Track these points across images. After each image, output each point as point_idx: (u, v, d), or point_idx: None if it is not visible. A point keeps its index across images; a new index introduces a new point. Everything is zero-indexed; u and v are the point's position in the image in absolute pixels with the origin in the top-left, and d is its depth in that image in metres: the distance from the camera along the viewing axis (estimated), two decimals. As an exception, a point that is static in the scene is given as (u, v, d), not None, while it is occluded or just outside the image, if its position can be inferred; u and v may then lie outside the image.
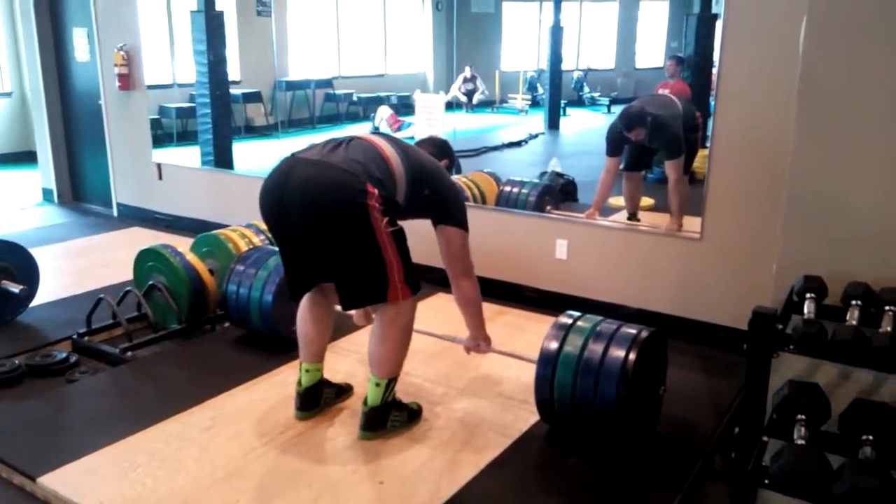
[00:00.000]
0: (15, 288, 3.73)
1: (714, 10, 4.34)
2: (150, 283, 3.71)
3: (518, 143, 6.84)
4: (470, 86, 7.44)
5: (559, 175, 4.94)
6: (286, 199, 2.44)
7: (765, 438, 1.92)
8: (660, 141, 4.05)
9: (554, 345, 2.57)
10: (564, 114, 7.06)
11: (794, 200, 2.26)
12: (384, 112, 7.46)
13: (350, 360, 3.28)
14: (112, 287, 4.10)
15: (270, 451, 2.57)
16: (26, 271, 3.90)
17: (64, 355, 3.40)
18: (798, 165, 2.25)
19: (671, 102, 4.16)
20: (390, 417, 2.66)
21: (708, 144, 3.50)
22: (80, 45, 6.32)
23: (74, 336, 3.61)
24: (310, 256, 2.55)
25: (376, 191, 2.39)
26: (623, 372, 2.42)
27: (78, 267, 4.92)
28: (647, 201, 4.36)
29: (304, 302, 2.75)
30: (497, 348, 2.96)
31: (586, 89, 7.40)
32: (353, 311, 3.09)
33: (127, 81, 5.87)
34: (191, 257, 3.73)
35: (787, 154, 2.29)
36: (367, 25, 8.92)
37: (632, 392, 2.43)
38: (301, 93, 8.08)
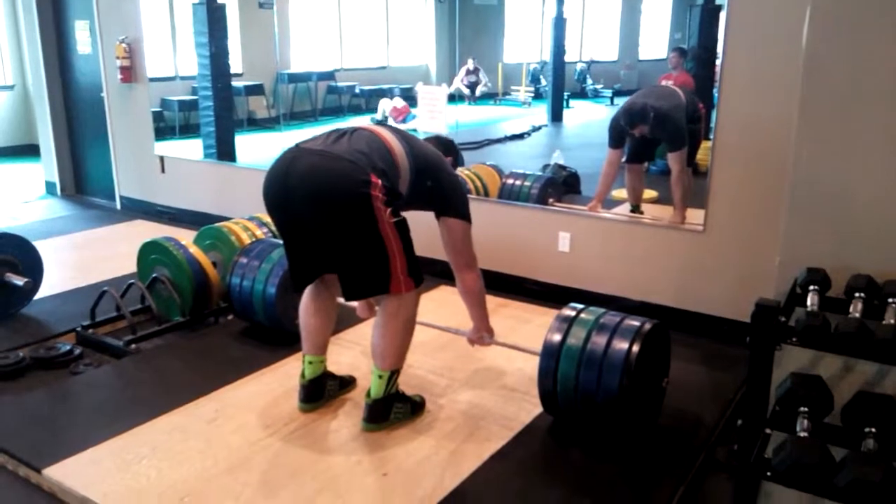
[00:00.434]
0: (19, 281, 3.74)
1: (718, 1, 4.32)
2: (154, 275, 3.72)
3: (521, 136, 6.83)
4: (473, 78, 7.42)
5: (562, 167, 4.93)
6: (290, 188, 2.44)
7: (767, 431, 1.92)
8: (662, 133, 4.04)
9: (557, 337, 2.57)
10: (567, 106, 7.05)
11: (797, 192, 2.25)
12: (387, 105, 7.45)
13: (353, 353, 3.29)
14: (116, 280, 4.11)
15: (274, 443, 2.58)
16: (30, 264, 3.92)
17: (68, 348, 3.41)
18: (801, 157, 2.24)
19: (673, 93, 4.14)
20: (393, 409, 2.67)
21: (711, 136, 3.49)
22: (81, 37, 6.31)
23: (78, 328, 3.62)
24: (313, 247, 2.55)
25: (380, 181, 2.39)
26: (626, 364, 2.43)
27: (81, 260, 4.93)
28: (650, 193, 4.35)
29: (307, 293, 2.76)
30: (500, 340, 2.96)
31: (589, 81, 7.39)
32: (355, 303, 3.10)
33: (129, 74, 5.87)
34: (194, 250, 3.74)
35: (791, 146, 2.28)
36: (370, 17, 8.90)
37: (635, 384, 2.43)
38: (303, 85, 8.07)
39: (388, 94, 7.84)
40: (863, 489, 1.59)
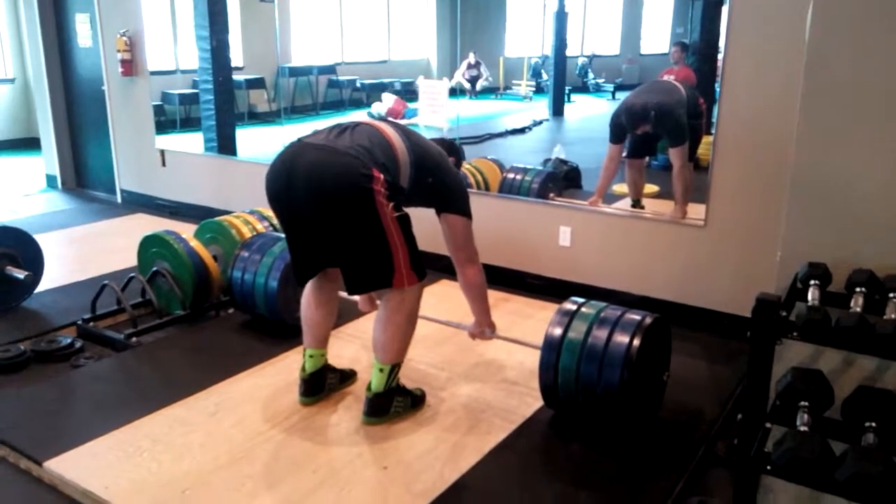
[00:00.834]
0: (20, 274, 3.75)
1: (720, -5, 4.31)
2: (155, 269, 3.72)
3: (522, 130, 6.81)
4: (474, 72, 7.40)
5: (563, 162, 4.92)
6: (293, 183, 2.44)
7: (767, 425, 1.92)
8: (663, 128, 4.03)
9: (558, 331, 2.58)
10: (569, 100, 7.03)
11: (798, 187, 2.25)
12: (380, 108, 7.42)
13: (354, 346, 3.29)
14: (116, 273, 4.11)
15: (275, 436, 2.59)
16: (31, 257, 3.92)
17: (69, 341, 3.42)
18: (803, 152, 2.23)
19: (674, 88, 4.13)
20: (394, 403, 2.67)
21: (713, 131, 3.49)
22: (82, 30, 6.31)
23: (79, 322, 3.63)
24: (316, 241, 2.55)
25: (381, 175, 2.39)
26: (627, 357, 2.43)
27: (82, 253, 4.93)
28: (651, 188, 4.34)
29: (309, 287, 2.76)
30: (502, 334, 2.96)
31: (591, 75, 7.36)
32: (357, 297, 3.10)
33: (130, 67, 5.86)
34: (194, 244, 3.74)
35: (792, 141, 2.28)
36: (371, 11, 8.87)
37: (635, 377, 2.44)
38: (304, 79, 8.05)
39: (389, 88, 7.83)
40: (863, 483, 1.59)
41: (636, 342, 2.45)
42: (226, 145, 5.84)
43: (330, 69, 8.32)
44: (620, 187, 4.34)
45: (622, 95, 5.20)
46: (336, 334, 3.36)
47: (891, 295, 2.01)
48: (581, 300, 2.72)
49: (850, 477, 1.60)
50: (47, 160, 6.99)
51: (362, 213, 2.39)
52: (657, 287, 3.77)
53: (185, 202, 5.86)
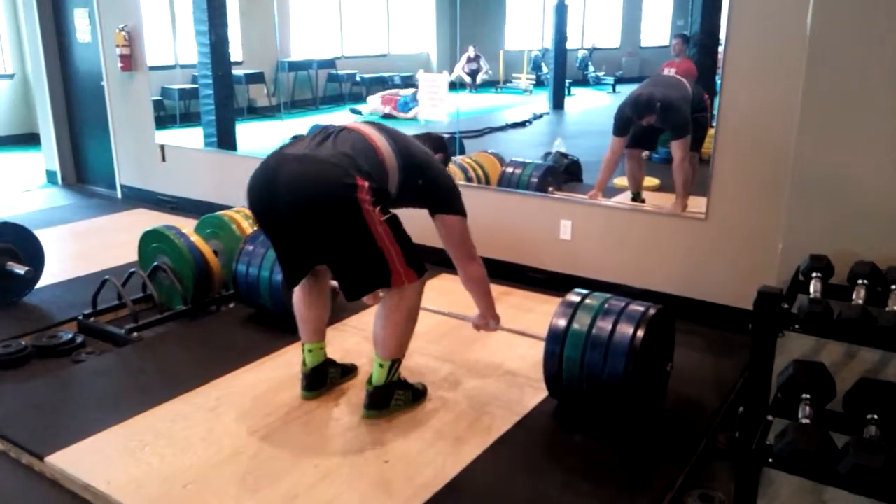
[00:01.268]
0: (20, 269, 3.75)
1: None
2: (155, 264, 3.72)
3: (522, 124, 6.80)
4: (474, 65, 7.38)
5: (564, 155, 4.91)
6: (276, 197, 2.40)
7: (769, 417, 1.92)
8: (668, 122, 4.02)
9: (562, 322, 2.59)
10: (569, 93, 7.01)
11: (800, 179, 2.25)
12: (373, 102, 7.40)
13: (355, 340, 3.29)
14: (117, 268, 4.11)
15: (276, 431, 2.59)
16: (31, 253, 3.92)
17: (70, 336, 3.42)
18: (804, 144, 2.23)
19: (679, 83, 4.13)
20: (394, 396, 2.67)
21: (713, 124, 3.48)
22: (81, 25, 6.29)
23: (80, 317, 3.63)
24: (305, 251, 2.54)
25: (366, 183, 2.34)
26: (631, 348, 2.44)
27: (83, 248, 4.93)
28: (651, 181, 4.34)
29: (300, 286, 2.74)
30: (506, 326, 2.97)
31: (591, 68, 7.34)
32: None
33: (129, 62, 5.85)
34: (195, 238, 3.74)
35: (794, 133, 2.27)
36: (370, 4, 8.85)
37: (640, 368, 2.45)
38: (304, 73, 8.03)
39: (388, 82, 7.80)
40: (864, 475, 1.59)
41: (640, 333, 2.45)
42: (226, 140, 5.83)
43: (329, 63, 8.29)
44: (621, 180, 4.34)
45: (622, 88, 5.19)
46: (337, 328, 3.37)
47: (893, 287, 2.01)
48: (585, 291, 2.73)
49: (851, 469, 1.60)
50: (47, 156, 6.99)
51: (348, 222, 2.35)
52: (658, 280, 3.77)
53: (185, 197, 5.85)
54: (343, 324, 3.42)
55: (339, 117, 7.83)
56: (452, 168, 4.51)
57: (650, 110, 3.98)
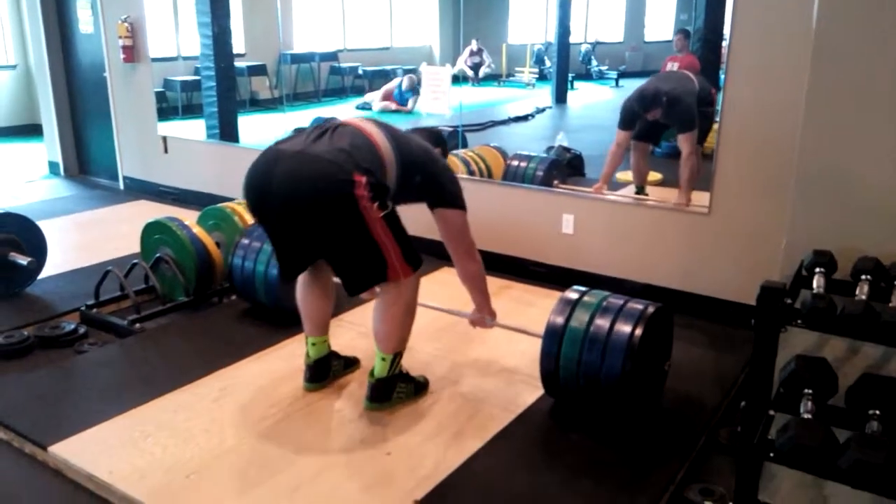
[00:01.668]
0: (23, 260, 3.75)
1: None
2: (158, 255, 3.72)
3: (525, 118, 6.79)
4: (476, 59, 7.37)
5: (566, 149, 4.91)
6: (272, 194, 2.38)
7: (771, 412, 1.93)
8: (674, 116, 4.02)
9: (560, 319, 2.57)
10: (572, 87, 7.00)
11: (804, 175, 2.24)
12: (374, 98, 7.39)
13: (356, 333, 3.29)
14: (119, 260, 4.11)
15: (278, 422, 2.59)
16: (34, 244, 3.92)
17: (72, 327, 3.42)
18: (809, 139, 2.22)
19: (687, 78, 4.14)
20: (396, 389, 2.67)
21: (717, 119, 3.47)
22: (83, 16, 6.27)
23: (83, 308, 3.63)
24: (303, 247, 2.53)
25: (363, 178, 2.32)
26: (629, 346, 2.43)
27: (85, 239, 4.93)
28: (654, 176, 4.33)
29: (302, 279, 2.75)
30: (502, 322, 2.97)
31: (594, 63, 7.34)
32: None
33: (131, 54, 5.84)
34: (197, 230, 3.74)
35: (798, 128, 2.27)
36: (373, -3, 8.83)
37: (637, 367, 2.44)
38: (306, 66, 8.02)
39: (391, 75, 7.79)
40: (866, 471, 1.60)
41: (638, 331, 2.44)
42: (228, 132, 5.82)
43: (332, 56, 8.28)
44: (624, 174, 4.33)
45: (626, 83, 5.18)
46: (338, 321, 3.37)
47: (896, 283, 2.01)
48: (584, 288, 2.72)
49: (853, 464, 1.61)
50: (49, 147, 6.98)
51: (345, 219, 2.34)
52: (661, 275, 3.77)
53: (187, 189, 5.85)
54: (341, 318, 3.42)
55: (341, 110, 7.82)
56: (455, 161, 4.50)
57: (656, 104, 3.98)
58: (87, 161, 6.89)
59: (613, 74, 7.15)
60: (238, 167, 5.65)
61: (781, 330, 1.94)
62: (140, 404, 2.69)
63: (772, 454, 1.75)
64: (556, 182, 4.34)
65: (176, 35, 6.53)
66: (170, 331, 3.46)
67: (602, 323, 2.51)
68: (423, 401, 2.75)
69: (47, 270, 4.05)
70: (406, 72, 7.57)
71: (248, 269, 3.41)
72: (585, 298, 2.63)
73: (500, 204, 4.26)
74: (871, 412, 1.83)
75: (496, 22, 7.83)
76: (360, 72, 8.42)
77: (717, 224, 3.54)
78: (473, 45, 7.23)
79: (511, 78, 7.77)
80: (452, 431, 2.56)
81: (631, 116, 4.12)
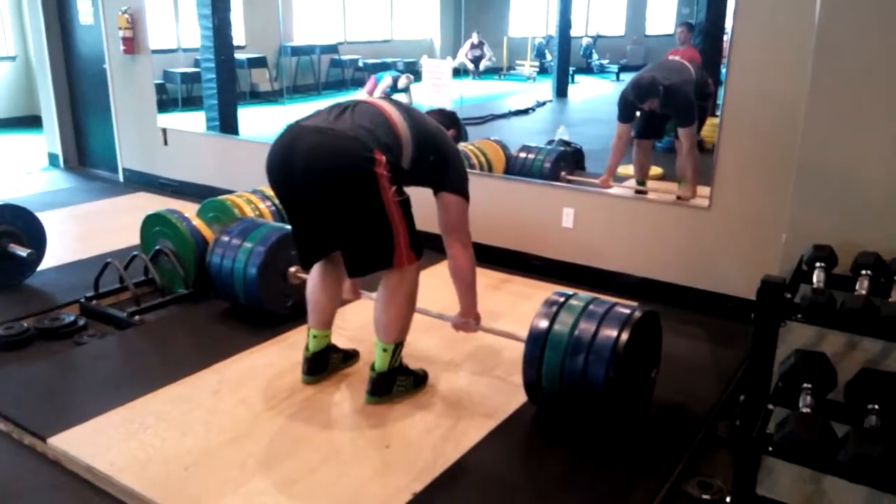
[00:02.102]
0: (23, 251, 3.75)
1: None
2: (157, 247, 3.72)
3: (525, 111, 6.77)
4: (477, 52, 7.34)
5: (567, 143, 4.90)
6: (294, 168, 2.40)
7: (770, 406, 1.92)
8: (672, 106, 4.01)
9: (544, 323, 2.47)
10: (573, 81, 6.98)
11: (805, 169, 2.24)
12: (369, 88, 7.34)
13: (356, 327, 3.29)
14: (119, 252, 4.11)
15: (278, 415, 2.60)
16: (34, 235, 3.92)
17: (72, 318, 3.42)
18: (810, 134, 2.22)
19: (683, 68, 4.11)
20: (396, 382, 2.68)
21: (718, 113, 3.46)
22: (83, 7, 6.26)
23: (82, 300, 3.63)
24: (318, 225, 2.54)
25: (384, 158, 2.36)
26: (614, 353, 2.32)
27: (85, 231, 4.93)
28: (655, 170, 4.33)
29: (315, 270, 2.75)
30: (487, 327, 2.90)
31: (595, 56, 7.30)
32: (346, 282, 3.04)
33: (131, 45, 5.82)
34: (197, 222, 3.73)
35: (799, 123, 2.26)
36: (374, -11, 8.79)
37: (622, 374, 2.34)
38: (306, 58, 7.99)
39: (392, 67, 7.76)
40: (864, 465, 1.60)
41: (624, 336, 2.33)
42: (228, 124, 5.81)
43: (332, 48, 8.25)
44: (625, 169, 4.33)
45: (627, 77, 5.15)
46: (339, 315, 3.36)
47: (896, 278, 2.00)
48: (569, 292, 2.61)
49: (851, 459, 1.61)
50: (49, 138, 6.97)
51: (364, 195, 2.36)
52: (660, 269, 3.77)
53: (187, 181, 5.85)
54: (342, 311, 3.41)
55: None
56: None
57: (652, 94, 3.96)
58: (86, 153, 6.88)
59: (614, 68, 7.12)
60: (238, 160, 5.67)
61: (781, 324, 1.93)
62: (139, 396, 2.70)
63: (770, 448, 1.75)
64: (563, 174, 4.34)
65: (176, 27, 6.51)
66: (169, 323, 3.46)
67: (587, 327, 2.40)
68: (423, 393, 2.75)
69: (47, 262, 4.05)
70: (407, 65, 7.55)
71: (226, 268, 3.32)
72: (571, 302, 2.52)
73: (501, 197, 4.25)
74: (869, 407, 1.83)
75: (497, 15, 7.80)
76: (361, 64, 8.38)
77: (718, 218, 3.54)
78: (474, 38, 7.20)
79: (512, 71, 7.74)
80: (452, 423, 2.56)
81: (628, 108, 4.11)
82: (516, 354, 3.04)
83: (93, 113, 6.61)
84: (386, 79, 7.16)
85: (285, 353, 3.05)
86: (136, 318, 3.46)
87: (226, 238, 3.41)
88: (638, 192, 4.14)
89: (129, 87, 6.06)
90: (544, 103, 6.92)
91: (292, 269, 3.35)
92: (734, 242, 3.50)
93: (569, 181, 4.31)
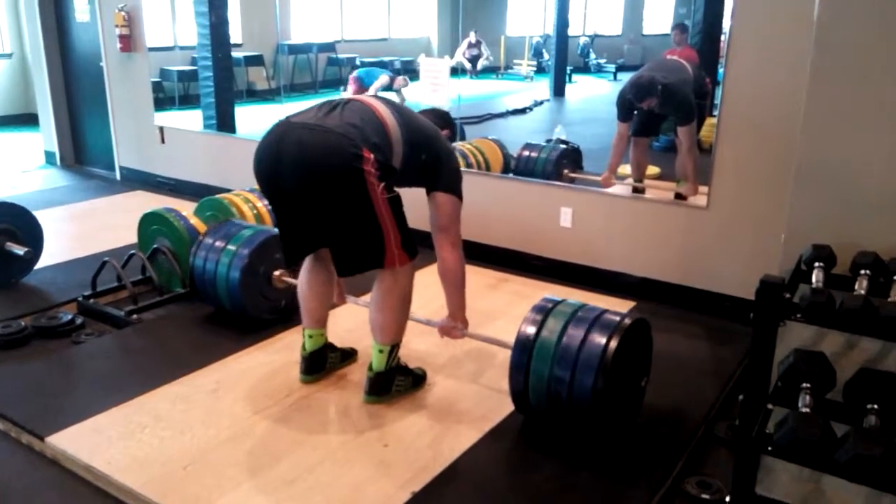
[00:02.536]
0: (20, 250, 3.74)
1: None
2: (155, 246, 3.71)
3: (523, 111, 6.78)
4: (474, 51, 7.34)
5: (564, 142, 4.90)
6: (281, 164, 2.38)
7: (769, 406, 1.93)
8: (670, 105, 4.01)
9: (531, 330, 2.41)
10: (570, 80, 6.99)
11: (803, 168, 2.24)
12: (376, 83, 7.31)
13: (354, 323, 3.28)
14: (116, 250, 4.10)
15: (275, 414, 2.59)
16: (31, 233, 3.91)
17: (70, 317, 3.42)
18: (809, 133, 2.22)
19: (681, 67, 4.12)
20: (395, 382, 2.67)
21: (716, 113, 3.47)
22: (80, 5, 6.24)
23: (80, 298, 3.63)
24: (306, 222, 2.51)
25: (372, 156, 2.33)
26: (602, 362, 2.27)
27: (82, 230, 4.92)
28: (652, 169, 4.33)
29: (305, 269, 2.74)
30: (474, 333, 2.83)
31: (592, 56, 7.31)
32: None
33: (128, 43, 5.81)
34: (195, 221, 3.73)
35: (797, 122, 2.26)
36: (371, -12, 8.79)
37: (610, 384, 2.28)
38: (303, 57, 7.99)
39: (388, 66, 7.75)
40: (863, 465, 1.60)
41: (612, 344, 2.27)
42: (225, 123, 5.81)
43: (329, 47, 8.25)
44: (622, 168, 4.33)
45: (624, 76, 5.17)
46: (336, 312, 3.36)
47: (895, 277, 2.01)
48: (557, 299, 2.54)
49: (851, 458, 1.61)
50: (46, 136, 6.95)
51: (352, 193, 2.34)
52: (659, 269, 3.77)
53: (184, 179, 5.84)
54: (340, 309, 3.41)
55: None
56: (453, 153, 4.49)
57: (651, 93, 3.96)
58: (83, 151, 6.87)
59: (612, 67, 7.13)
60: (235, 158, 5.65)
61: (780, 324, 1.94)
62: (137, 395, 2.69)
63: (769, 448, 1.75)
64: (566, 172, 4.35)
65: (173, 25, 6.50)
66: (167, 322, 3.45)
67: (575, 334, 2.33)
68: (422, 393, 2.75)
69: (44, 260, 4.04)
70: (404, 63, 7.54)
71: (210, 272, 3.26)
72: (558, 308, 2.47)
73: (499, 197, 4.25)
74: (868, 406, 1.83)
75: (495, 14, 7.80)
76: (358, 63, 8.38)
77: (716, 218, 3.54)
78: (472, 37, 7.19)
79: (509, 70, 7.74)
80: (450, 423, 2.56)
81: (627, 107, 4.12)
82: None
83: (89, 111, 6.59)
84: (382, 78, 7.15)
85: (283, 352, 3.05)
86: (134, 316, 3.45)
87: (209, 240, 3.33)
88: (636, 190, 4.14)
89: (126, 85, 6.05)
90: (542, 102, 6.93)
91: (276, 273, 3.30)
92: (733, 242, 3.50)
93: (571, 179, 4.31)
